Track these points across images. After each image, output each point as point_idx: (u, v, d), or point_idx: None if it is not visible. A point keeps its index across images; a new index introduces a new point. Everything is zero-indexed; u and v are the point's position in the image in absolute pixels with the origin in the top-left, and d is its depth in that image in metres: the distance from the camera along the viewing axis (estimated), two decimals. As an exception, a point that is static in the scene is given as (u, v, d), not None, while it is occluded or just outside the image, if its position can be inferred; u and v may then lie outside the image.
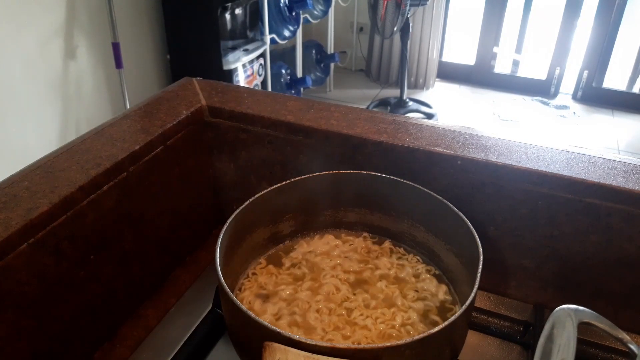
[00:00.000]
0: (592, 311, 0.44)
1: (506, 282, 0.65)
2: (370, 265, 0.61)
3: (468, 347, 0.57)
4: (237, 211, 0.54)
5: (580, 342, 0.42)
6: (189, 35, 2.13)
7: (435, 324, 0.53)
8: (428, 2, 2.70)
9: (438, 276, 0.60)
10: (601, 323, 0.44)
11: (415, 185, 0.58)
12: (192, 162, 0.68)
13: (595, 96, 3.12)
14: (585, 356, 0.56)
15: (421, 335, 0.41)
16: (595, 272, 0.60)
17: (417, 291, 0.57)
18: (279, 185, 0.58)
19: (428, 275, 0.59)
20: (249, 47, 2.34)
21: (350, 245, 0.64)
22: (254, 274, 0.60)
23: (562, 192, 0.56)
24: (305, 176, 0.60)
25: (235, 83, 2.25)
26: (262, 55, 2.43)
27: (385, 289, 0.57)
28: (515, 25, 3.26)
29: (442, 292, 0.57)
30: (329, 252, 0.63)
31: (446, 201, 0.55)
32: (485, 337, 0.60)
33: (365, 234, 0.66)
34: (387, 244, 0.64)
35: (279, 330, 0.41)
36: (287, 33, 2.56)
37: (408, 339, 0.40)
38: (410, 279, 0.59)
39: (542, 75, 3.22)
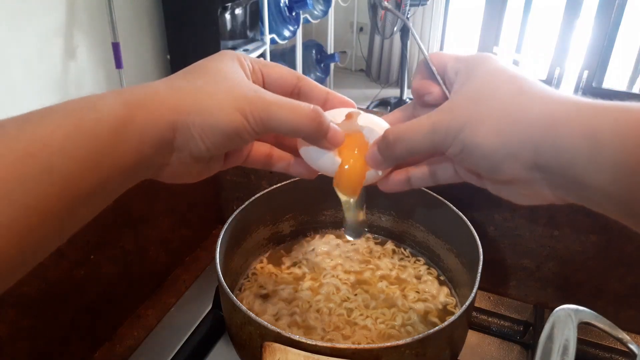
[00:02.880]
0: (592, 311, 0.44)
1: (506, 282, 0.65)
2: (371, 266, 0.61)
3: (468, 347, 0.57)
4: (237, 211, 0.54)
5: (580, 342, 0.43)
6: (189, 35, 2.14)
7: (435, 325, 0.53)
8: (428, 2, 2.70)
9: (440, 278, 0.60)
10: (601, 323, 0.44)
11: (415, 185, 0.58)
12: (192, 162, 0.68)
13: (595, 96, 3.08)
14: (586, 356, 0.56)
15: (421, 335, 0.41)
16: (595, 272, 0.60)
17: (418, 292, 0.57)
18: (279, 185, 0.58)
19: (430, 277, 0.59)
20: (249, 47, 2.34)
21: (352, 245, 0.64)
22: (253, 274, 0.60)
23: (562, 192, 0.56)
24: (305, 176, 0.59)
25: (235, 83, 2.24)
26: (262, 55, 2.43)
27: (386, 289, 0.57)
28: (515, 25, 3.26)
29: (443, 295, 0.57)
30: (329, 251, 0.63)
31: (446, 201, 0.55)
32: (485, 337, 0.60)
33: (368, 235, 0.66)
34: (390, 245, 0.64)
35: (279, 330, 0.41)
36: (287, 33, 2.56)
37: (408, 339, 0.40)
38: (412, 280, 0.59)
39: (542, 75, 3.22)
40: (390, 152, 0.35)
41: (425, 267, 0.61)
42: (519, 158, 0.30)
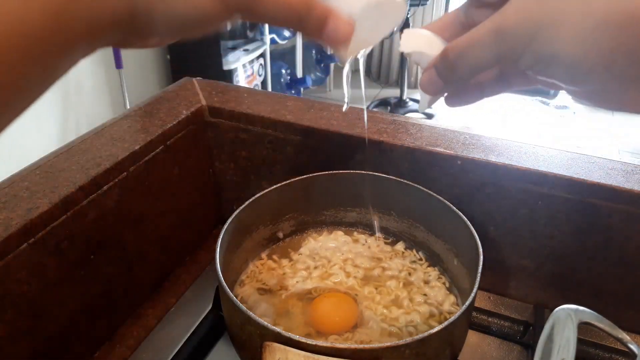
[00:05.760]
0: (592, 311, 0.44)
1: (506, 282, 0.65)
2: (383, 264, 0.61)
3: (468, 347, 0.56)
4: (237, 211, 0.54)
5: (580, 342, 0.42)
6: (189, 35, 2.13)
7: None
8: (428, 2, 2.70)
9: (448, 287, 0.59)
10: (601, 323, 0.44)
11: (415, 185, 0.58)
12: (192, 162, 0.68)
13: (595, 96, 3.12)
14: (586, 356, 0.56)
15: (421, 335, 0.41)
16: (595, 272, 0.60)
17: (425, 295, 0.57)
18: (279, 185, 0.58)
19: (438, 284, 0.59)
20: (249, 47, 2.34)
21: (362, 244, 0.64)
22: (253, 272, 0.60)
23: (562, 192, 0.56)
24: (305, 176, 0.60)
25: (235, 83, 2.25)
26: (262, 55, 2.43)
27: (394, 289, 0.57)
28: (515, 25, 3.26)
29: (448, 303, 0.56)
30: (339, 247, 0.63)
31: (446, 201, 0.55)
32: (485, 337, 0.60)
33: (378, 234, 0.65)
34: (400, 246, 0.64)
35: (279, 330, 0.41)
36: (287, 33, 2.56)
37: (408, 339, 0.40)
38: (420, 283, 0.59)
39: (542, 75, 3.22)
40: (452, 74, 0.29)
41: (436, 273, 0.60)
42: (611, 68, 0.24)
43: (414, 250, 0.63)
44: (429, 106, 0.34)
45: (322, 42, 0.31)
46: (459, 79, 0.30)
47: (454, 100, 0.34)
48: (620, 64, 0.24)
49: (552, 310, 0.45)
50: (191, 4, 0.26)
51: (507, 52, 0.26)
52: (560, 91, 0.30)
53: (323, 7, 0.29)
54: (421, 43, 0.32)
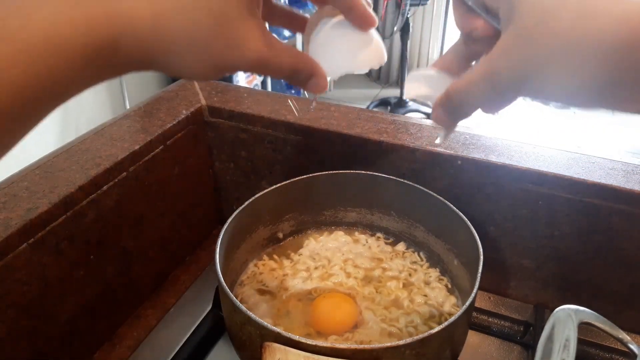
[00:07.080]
0: (592, 311, 0.44)
1: (506, 282, 0.65)
2: (383, 265, 0.60)
3: (468, 347, 0.56)
4: (237, 211, 0.54)
5: (580, 342, 0.43)
6: (189, 35, 2.13)
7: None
8: (428, 2, 2.70)
9: (449, 288, 0.59)
10: (601, 323, 0.44)
11: (415, 185, 0.58)
12: (192, 162, 0.68)
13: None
14: (586, 356, 0.56)
15: (421, 336, 0.41)
16: (596, 272, 0.60)
17: (425, 295, 0.57)
18: (279, 185, 0.58)
19: (439, 285, 0.58)
20: (249, 47, 2.33)
21: (362, 245, 0.64)
22: (253, 273, 0.60)
23: (562, 192, 0.56)
24: (305, 176, 0.60)
25: (235, 83, 2.25)
26: (262, 55, 2.42)
27: (395, 290, 0.57)
28: (515, 25, 3.26)
29: (449, 304, 0.56)
30: (339, 247, 0.63)
31: (446, 201, 0.55)
32: (486, 338, 0.60)
33: (379, 234, 0.65)
34: (401, 247, 0.63)
35: (279, 330, 0.41)
36: (287, 33, 2.56)
37: (408, 339, 0.40)
38: (420, 284, 0.59)
39: (542, 75, 3.22)
40: (457, 113, 0.33)
41: (437, 273, 0.60)
42: (594, 89, 0.26)
43: (415, 251, 0.63)
44: (447, 137, 0.38)
45: (304, 89, 0.36)
46: (464, 115, 0.33)
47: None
48: (605, 89, 0.26)
49: (552, 310, 0.45)
50: (187, 71, 0.30)
51: (501, 95, 0.29)
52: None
53: (310, 67, 0.35)
54: (424, 86, 0.36)
